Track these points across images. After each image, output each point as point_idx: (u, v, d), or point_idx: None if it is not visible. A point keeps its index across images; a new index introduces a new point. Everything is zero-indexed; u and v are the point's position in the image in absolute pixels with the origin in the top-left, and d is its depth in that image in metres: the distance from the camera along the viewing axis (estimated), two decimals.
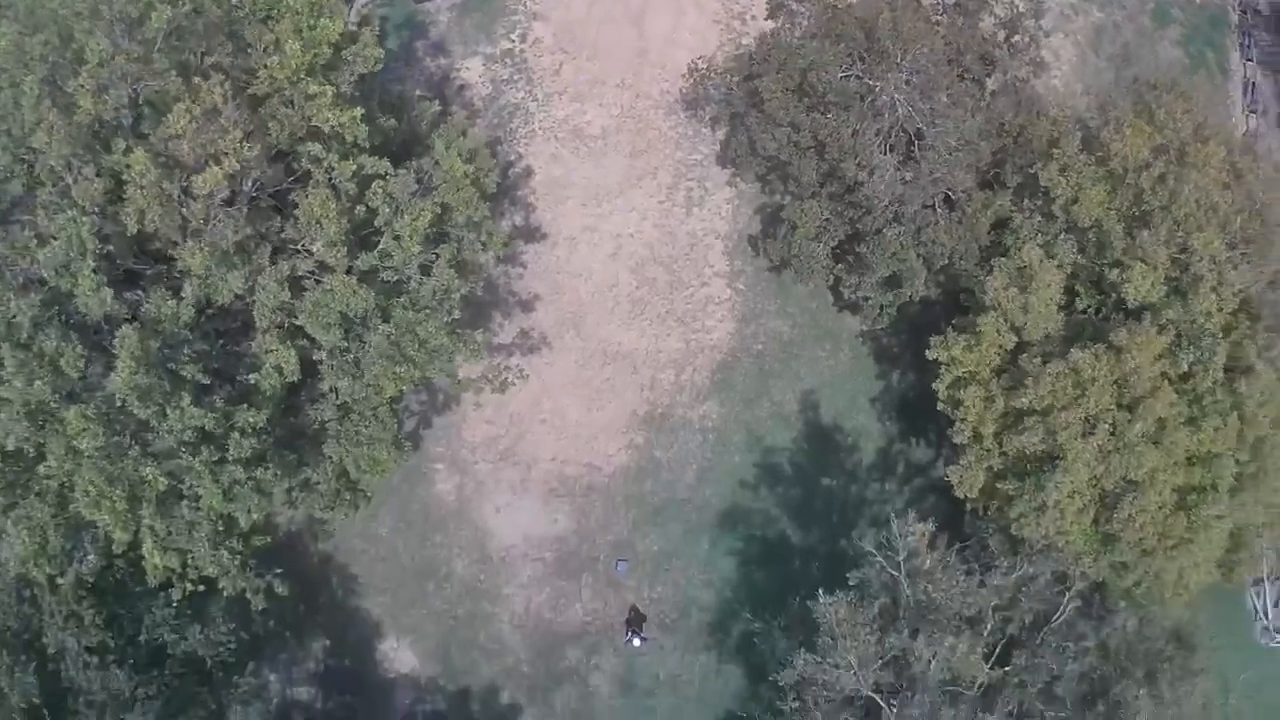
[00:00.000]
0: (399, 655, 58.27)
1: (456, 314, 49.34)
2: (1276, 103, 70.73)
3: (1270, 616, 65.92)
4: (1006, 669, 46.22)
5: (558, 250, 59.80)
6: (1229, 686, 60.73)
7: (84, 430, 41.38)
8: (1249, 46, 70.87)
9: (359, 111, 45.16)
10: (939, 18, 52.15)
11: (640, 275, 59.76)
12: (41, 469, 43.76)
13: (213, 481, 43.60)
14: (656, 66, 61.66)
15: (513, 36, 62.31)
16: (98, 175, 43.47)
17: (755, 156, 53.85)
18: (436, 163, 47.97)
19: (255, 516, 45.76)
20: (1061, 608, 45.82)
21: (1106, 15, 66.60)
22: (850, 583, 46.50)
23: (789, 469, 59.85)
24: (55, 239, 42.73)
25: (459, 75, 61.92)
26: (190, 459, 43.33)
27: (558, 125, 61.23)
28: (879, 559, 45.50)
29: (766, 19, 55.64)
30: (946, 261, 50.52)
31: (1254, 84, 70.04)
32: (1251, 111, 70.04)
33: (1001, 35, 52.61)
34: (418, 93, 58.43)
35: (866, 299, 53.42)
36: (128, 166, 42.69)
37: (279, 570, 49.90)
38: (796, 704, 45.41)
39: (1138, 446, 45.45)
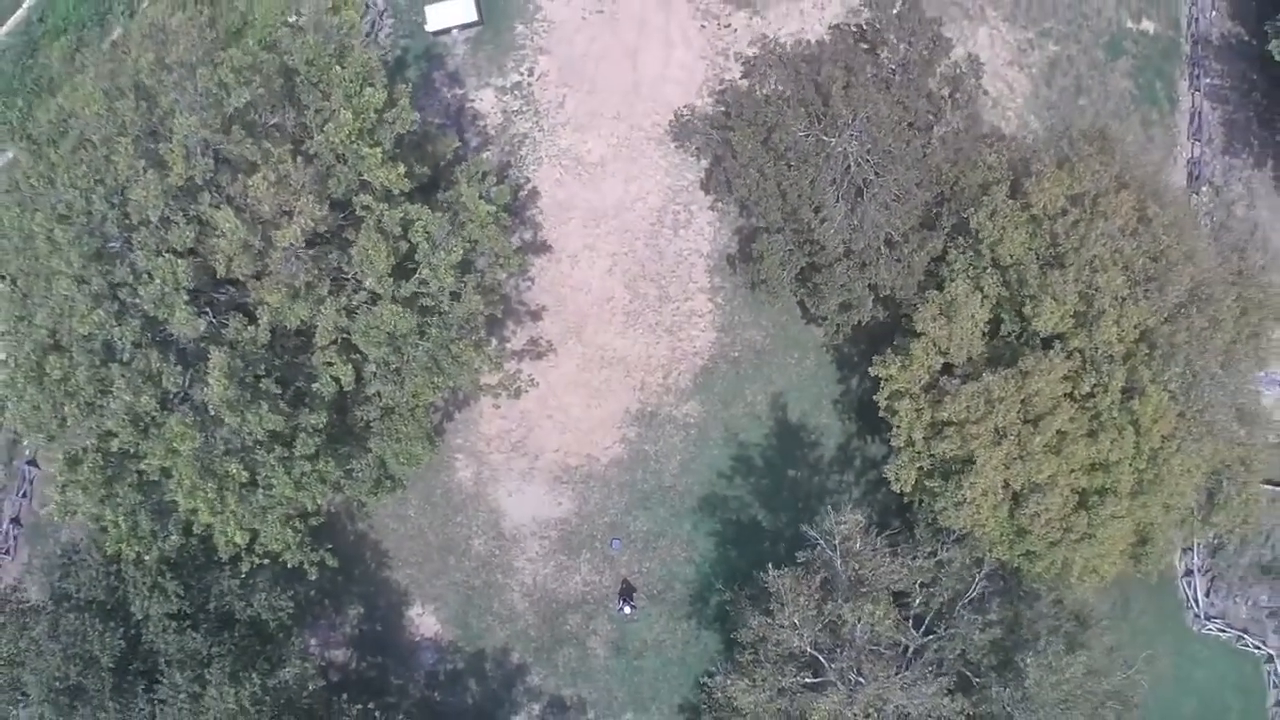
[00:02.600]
0: (424, 620, 78.02)
1: (482, 333, 69.03)
2: (1222, 130, 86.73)
3: (1200, 605, 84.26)
4: (930, 636, 65.31)
5: (562, 265, 78.58)
6: (1161, 668, 77.65)
7: (183, 434, 59.78)
8: (1198, 77, 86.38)
9: (402, 169, 62.95)
10: (892, 71, 69.45)
11: (633, 290, 78.62)
12: (144, 465, 62.22)
13: (285, 474, 62.12)
14: (648, 100, 79.76)
15: (521, 70, 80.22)
16: (187, 223, 61.56)
17: (731, 192, 72.59)
18: (462, 202, 66.12)
19: (320, 501, 65.27)
20: (972, 587, 64.84)
21: (1061, 49, 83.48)
22: (799, 560, 65.93)
23: (760, 461, 78.77)
24: (152, 276, 60.59)
25: (473, 105, 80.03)
26: (266, 455, 61.83)
27: (562, 153, 79.46)
28: (820, 542, 65.03)
29: (741, 78, 73.47)
30: (889, 292, 69.43)
31: (1200, 113, 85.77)
32: (1196, 139, 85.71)
33: (946, 90, 71.17)
34: (437, 122, 77.71)
35: (824, 318, 72.57)
36: (214, 218, 60.42)
37: (329, 546, 69.11)
38: (751, 656, 64.96)
39: (1038, 455, 63.75)
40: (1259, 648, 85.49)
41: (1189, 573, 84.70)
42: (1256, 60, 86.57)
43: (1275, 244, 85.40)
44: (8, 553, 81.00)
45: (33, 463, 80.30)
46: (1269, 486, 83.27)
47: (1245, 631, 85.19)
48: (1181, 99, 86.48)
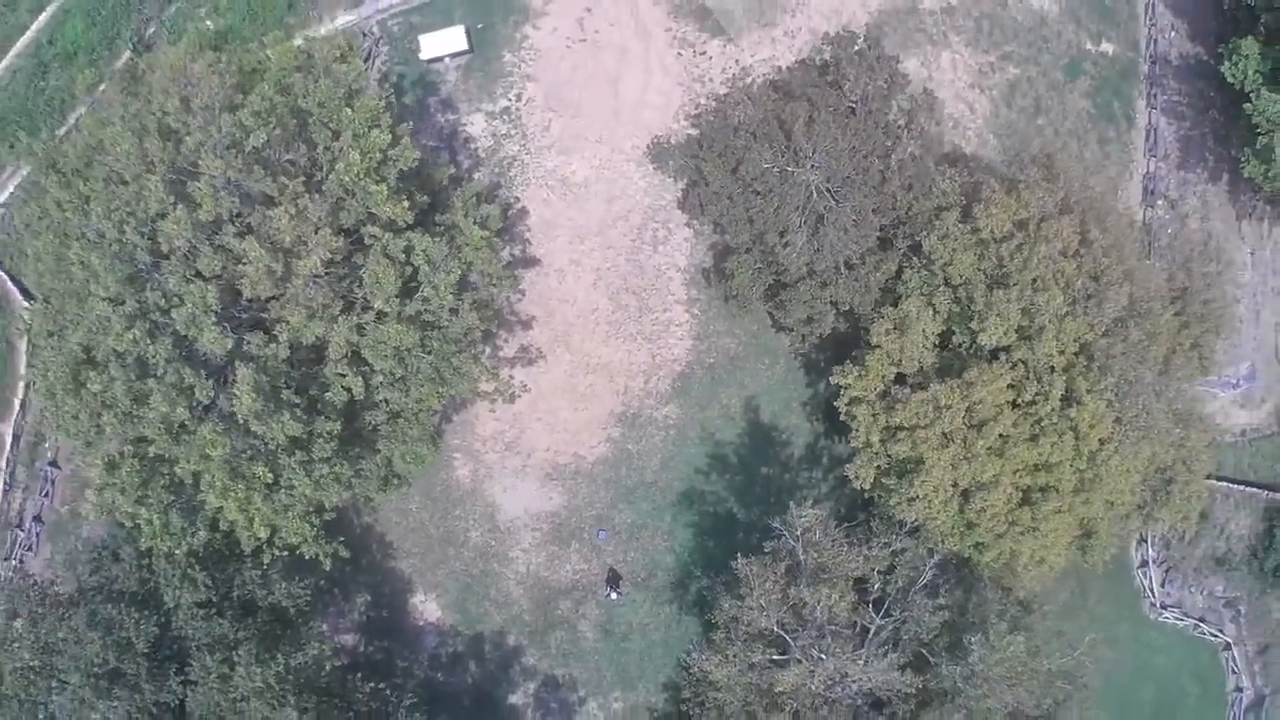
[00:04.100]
0: (426, 607, 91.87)
1: (479, 344, 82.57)
2: (1178, 146, 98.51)
3: (1156, 595, 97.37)
4: (887, 618, 78.84)
5: (550, 279, 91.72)
6: (1116, 652, 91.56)
7: (215, 441, 72.42)
8: (1155, 95, 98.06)
9: (405, 203, 75.44)
10: (853, 105, 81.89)
11: (616, 301, 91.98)
12: (177, 469, 74.74)
13: (305, 475, 74.94)
14: (629, 124, 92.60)
15: (510, 96, 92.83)
16: (214, 252, 73.77)
17: (704, 213, 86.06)
18: (458, 227, 78.89)
19: (336, 500, 78.95)
20: (923, 574, 78.61)
21: (1022, 71, 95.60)
22: (766, 550, 79.75)
23: (734, 459, 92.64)
24: (182, 300, 72.74)
25: (465, 129, 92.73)
26: (288, 459, 74.72)
27: (548, 174, 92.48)
28: (783, 533, 79.15)
29: (713, 115, 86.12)
30: (848, 308, 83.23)
31: (1156, 129, 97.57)
32: (1152, 155, 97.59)
33: (903, 121, 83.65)
34: (431, 145, 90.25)
35: (791, 329, 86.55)
36: (242, 248, 72.26)
37: (341, 539, 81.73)
38: (725, 635, 78.95)
39: (982, 457, 76.79)
40: (1216, 635, 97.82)
41: (1144, 564, 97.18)
42: (1214, 78, 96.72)
43: (1228, 253, 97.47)
44: (31, 549, 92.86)
45: (54, 464, 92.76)
46: (1221, 483, 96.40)
47: (1202, 620, 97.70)
48: (1139, 117, 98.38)
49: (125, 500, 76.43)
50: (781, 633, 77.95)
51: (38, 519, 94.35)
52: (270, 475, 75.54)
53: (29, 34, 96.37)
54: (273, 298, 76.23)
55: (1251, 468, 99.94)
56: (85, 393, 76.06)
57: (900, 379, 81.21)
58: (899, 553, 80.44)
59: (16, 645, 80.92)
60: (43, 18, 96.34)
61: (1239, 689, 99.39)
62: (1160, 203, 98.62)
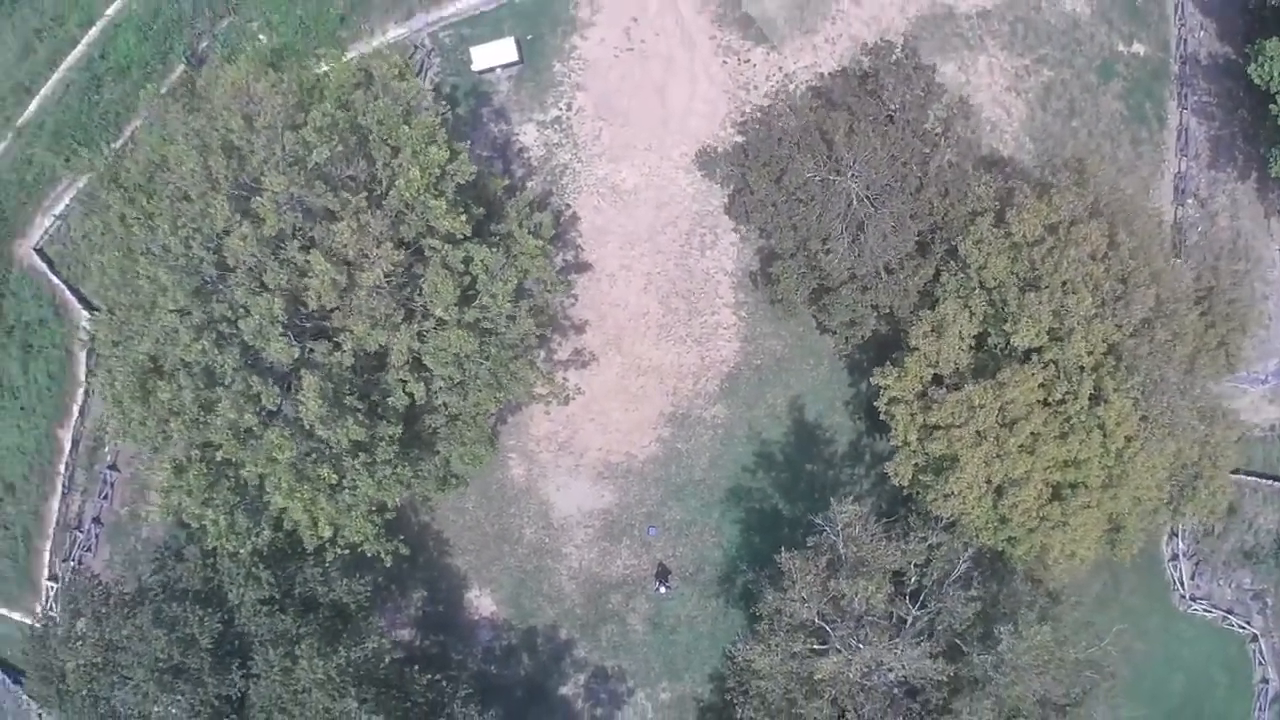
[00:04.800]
0: (481, 602, 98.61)
1: (535, 350, 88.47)
2: (1208, 146, 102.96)
3: (1185, 587, 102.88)
4: (922, 610, 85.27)
5: (601, 284, 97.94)
6: (1146, 644, 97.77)
7: (283, 445, 78.41)
8: (1186, 95, 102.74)
9: (463, 217, 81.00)
10: (891, 113, 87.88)
11: (666, 305, 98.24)
12: (244, 472, 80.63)
13: (369, 477, 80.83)
14: (676, 133, 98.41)
15: (560, 105, 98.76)
16: (280, 266, 79.02)
17: (750, 221, 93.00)
18: (514, 237, 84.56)
19: (398, 499, 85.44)
20: (957, 568, 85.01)
21: (1056, 74, 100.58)
22: (808, 545, 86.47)
23: (780, 457, 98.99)
24: (249, 311, 78.47)
25: (518, 139, 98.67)
26: (352, 461, 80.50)
27: (599, 182, 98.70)
28: (825, 528, 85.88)
29: (758, 124, 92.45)
30: (888, 311, 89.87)
31: (1187, 129, 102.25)
32: (1183, 154, 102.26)
33: (939, 129, 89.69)
34: (485, 154, 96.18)
35: (834, 332, 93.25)
36: (307, 261, 77.85)
37: (401, 537, 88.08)
38: (768, 626, 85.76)
39: (1014, 454, 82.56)
40: (1244, 627, 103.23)
41: (1175, 557, 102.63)
42: (1242, 78, 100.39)
43: (1257, 251, 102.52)
44: (90, 550, 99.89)
45: (113, 467, 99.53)
46: (1250, 478, 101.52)
47: (1230, 612, 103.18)
48: (1170, 117, 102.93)
49: (192, 502, 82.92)
50: (822, 623, 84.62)
51: (97, 520, 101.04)
52: (335, 477, 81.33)
53: (80, 48, 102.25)
54: (335, 308, 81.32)
55: None
56: (154, 400, 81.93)
57: (937, 380, 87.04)
58: (935, 547, 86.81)
59: (80, 643, 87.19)
60: (93, 31, 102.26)
61: (1265, 680, 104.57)
62: (1190, 201, 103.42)
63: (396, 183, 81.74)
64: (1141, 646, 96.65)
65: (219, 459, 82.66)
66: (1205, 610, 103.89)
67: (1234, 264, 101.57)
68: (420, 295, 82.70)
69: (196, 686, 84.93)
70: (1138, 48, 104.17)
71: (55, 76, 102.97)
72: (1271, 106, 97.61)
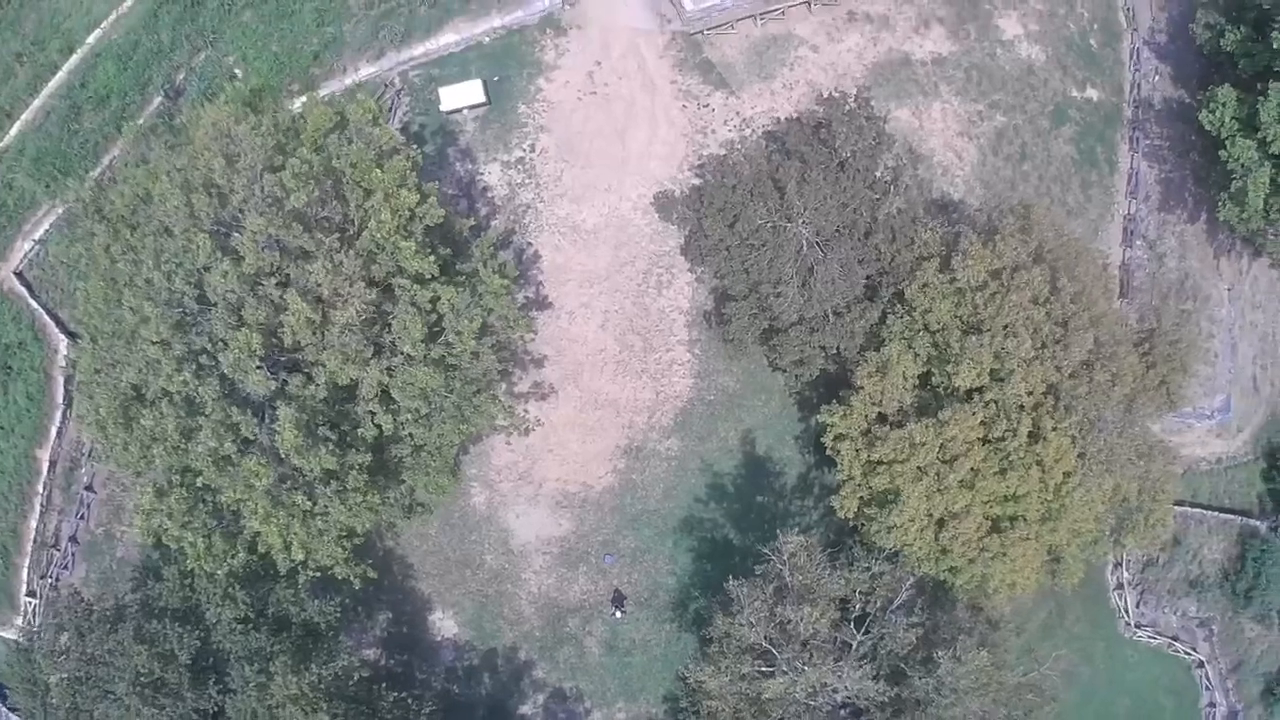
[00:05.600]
0: (444, 624, 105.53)
1: (497, 383, 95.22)
2: (1158, 189, 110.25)
3: (1130, 615, 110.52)
4: (866, 635, 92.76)
5: (561, 321, 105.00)
6: (1090, 668, 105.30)
7: (260, 473, 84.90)
8: (1138, 139, 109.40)
9: (431, 258, 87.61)
10: (842, 161, 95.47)
11: (622, 342, 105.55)
12: (222, 498, 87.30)
13: (340, 503, 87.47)
14: (636, 175, 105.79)
15: (524, 146, 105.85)
16: (258, 303, 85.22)
17: (704, 263, 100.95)
18: (479, 277, 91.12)
19: (368, 526, 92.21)
20: (899, 596, 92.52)
21: (1009, 119, 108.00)
22: (756, 572, 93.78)
23: (732, 489, 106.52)
24: (228, 345, 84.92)
25: (482, 178, 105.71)
26: (324, 489, 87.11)
27: (560, 222, 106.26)
28: (772, 557, 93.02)
29: (713, 173, 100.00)
30: (835, 352, 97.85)
31: (1138, 173, 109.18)
32: (1133, 197, 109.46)
33: (888, 177, 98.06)
34: (450, 192, 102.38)
35: (784, 370, 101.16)
36: (284, 299, 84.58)
37: (368, 561, 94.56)
38: (718, 649, 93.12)
39: (954, 489, 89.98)
40: (1189, 654, 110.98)
41: (1120, 586, 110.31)
42: (1195, 122, 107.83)
43: (1205, 290, 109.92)
44: (67, 567, 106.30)
45: (90, 488, 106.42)
46: (1195, 509, 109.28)
47: (1175, 639, 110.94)
48: (1121, 161, 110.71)
49: (173, 525, 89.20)
50: (769, 646, 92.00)
51: (74, 539, 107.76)
52: (308, 503, 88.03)
53: (61, 75, 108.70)
54: (310, 343, 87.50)
55: (1226, 494, 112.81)
56: (137, 427, 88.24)
57: (882, 418, 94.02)
58: (878, 575, 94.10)
59: (63, 658, 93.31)
60: (74, 59, 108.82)
61: (1212, 704, 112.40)
62: (1139, 243, 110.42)
63: (369, 224, 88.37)
64: (1086, 671, 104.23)
65: (199, 484, 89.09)
66: (1150, 637, 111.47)
67: (1181, 304, 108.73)
68: (389, 332, 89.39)
69: (176, 700, 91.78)
70: (1091, 93, 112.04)
71: (35, 103, 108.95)
72: (1221, 152, 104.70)
